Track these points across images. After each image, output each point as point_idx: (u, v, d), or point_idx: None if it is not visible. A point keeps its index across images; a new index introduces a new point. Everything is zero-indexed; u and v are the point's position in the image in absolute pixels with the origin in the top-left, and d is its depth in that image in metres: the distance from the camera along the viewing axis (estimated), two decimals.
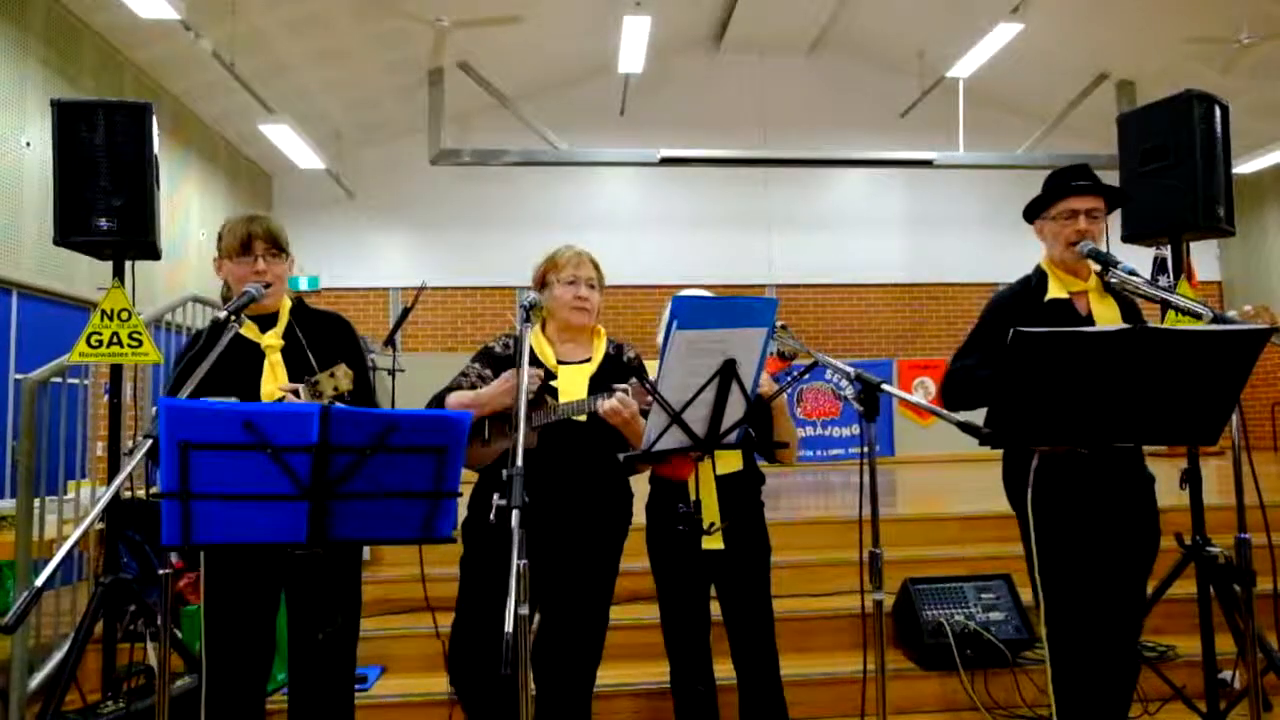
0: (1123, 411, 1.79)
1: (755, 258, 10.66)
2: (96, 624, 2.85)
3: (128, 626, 3.18)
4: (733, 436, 1.93)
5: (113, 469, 2.85)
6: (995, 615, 3.38)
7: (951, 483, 6.92)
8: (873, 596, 1.75)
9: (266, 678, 2.28)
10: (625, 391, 2.12)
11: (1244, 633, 2.02)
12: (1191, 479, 3.03)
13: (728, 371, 1.82)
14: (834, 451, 9.30)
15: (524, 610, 1.58)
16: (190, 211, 8.39)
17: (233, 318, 1.97)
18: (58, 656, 3.17)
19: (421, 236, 10.49)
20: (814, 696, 3.22)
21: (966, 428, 1.65)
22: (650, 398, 2.04)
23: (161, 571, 1.62)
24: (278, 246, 2.27)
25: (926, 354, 10.29)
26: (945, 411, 1.74)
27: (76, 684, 2.82)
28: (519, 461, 1.69)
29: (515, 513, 1.61)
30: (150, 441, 1.62)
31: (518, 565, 1.55)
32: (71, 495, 3.37)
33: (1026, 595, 3.48)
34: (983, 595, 3.46)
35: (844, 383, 9.07)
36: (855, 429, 9.10)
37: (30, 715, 2.90)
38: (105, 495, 1.49)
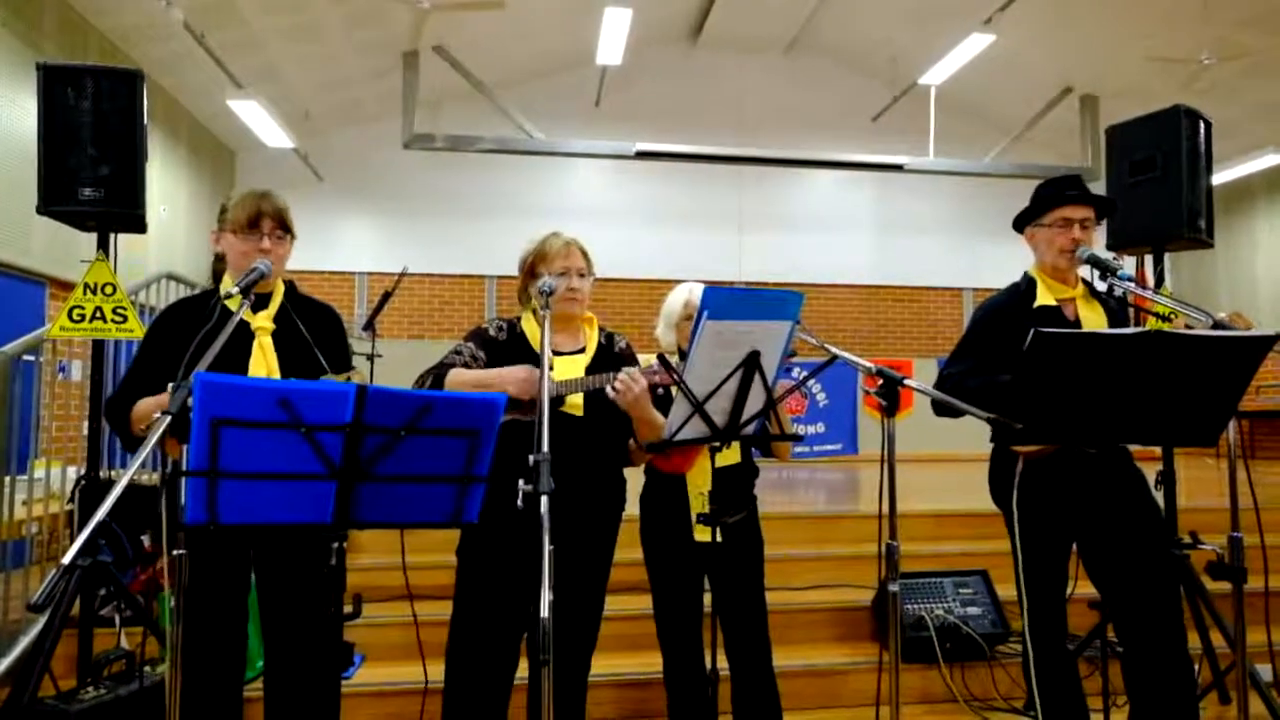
0: (1129, 412, 1.85)
1: (725, 254, 10.71)
2: (73, 607, 2.75)
3: (97, 610, 3.08)
4: (751, 428, 1.95)
5: (93, 448, 2.75)
6: (973, 610, 3.47)
7: (918, 482, 7.05)
8: (890, 587, 1.78)
9: (242, 663, 2.22)
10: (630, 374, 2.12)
11: (1235, 629, 2.11)
12: (1166, 480, 3.16)
13: (751, 363, 1.83)
14: (798, 449, 9.40)
15: (551, 596, 1.57)
16: (150, 187, 8.11)
17: (244, 297, 1.91)
18: (24, 642, 3.06)
19: (391, 222, 10.31)
20: (796, 688, 3.26)
21: (997, 423, 1.69)
22: (661, 381, 2.06)
23: (176, 552, 1.57)
24: (284, 227, 2.22)
25: (891, 355, 10.47)
26: (972, 408, 1.78)
27: (50, 670, 2.72)
28: (544, 447, 1.68)
29: (544, 499, 1.60)
30: (169, 419, 1.57)
31: (548, 550, 1.55)
32: (40, 475, 3.24)
33: (1003, 591, 3.59)
34: (961, 590, 3.54)
35: (802, 376, 9.17)
36: (821, 426, 9.22)
37: None
38: (126, 475, 1.44)
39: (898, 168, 9.72)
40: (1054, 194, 2.49)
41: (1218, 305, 10.85)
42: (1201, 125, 3.07)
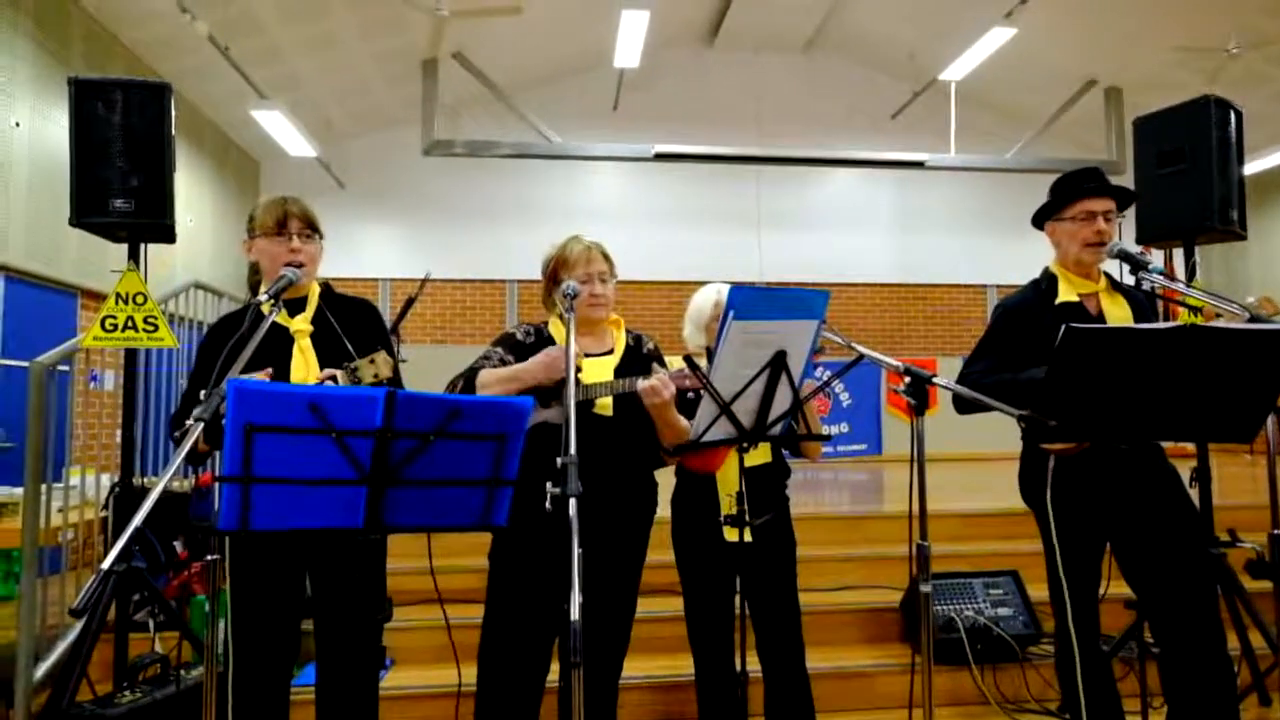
0: (1164, 408, 1.82)
1: (745, 254, 10.68)
2: (109, 612, 2.80)
3: (131, 615, 3.13)
4: (778, 428, 1.93)
5: (126, 456, 2.80)
6: (1004, 611, 3.43)
7: (942, 481, 6.98)
8: (922, 588, 1.76)
9: (292, 665, 2.26)
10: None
11: (1276, 629, 2.06)
12: (1201, 478, 3.10)
13: (778, 363, 1.82)
14: (823, 449, 9.36)
15: (580, 599, 1.57)
16: (176, 197, 8.23)
17: (274, 303, 1.94)
18: (61, 646, 3.11)
19: (412, 228, 10.39)
20: (825, 690, 3.22)
21: (1027, 419, 1.67)
22: (690, 385, 2.05)
23: (210, 557, 1.59)
24: (312, 227, 2.26)
25: (913, 354, 10.38)
26: (1004, 405, 1.75)
27: (87, 675, 2.77)
28: (572, 449, 1.68)
29: (572, 501, 1.61)
30: (201, 425, 1.59)
31: (577, 553, 1.55)
32: (75, 482, 3.30)
33: (1034, 591, 3.54)
34: (991, 591, 3.50)
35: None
36: (845, 426, 9.17)
37: (36, 706, 2.84)
38: (160, 482, 1.46)
39: (919, 165, 9.63)
40: (1073, 187, 2.44)
41: (1250, 297, 10.67)
42: (1232, 115, 3.02)
